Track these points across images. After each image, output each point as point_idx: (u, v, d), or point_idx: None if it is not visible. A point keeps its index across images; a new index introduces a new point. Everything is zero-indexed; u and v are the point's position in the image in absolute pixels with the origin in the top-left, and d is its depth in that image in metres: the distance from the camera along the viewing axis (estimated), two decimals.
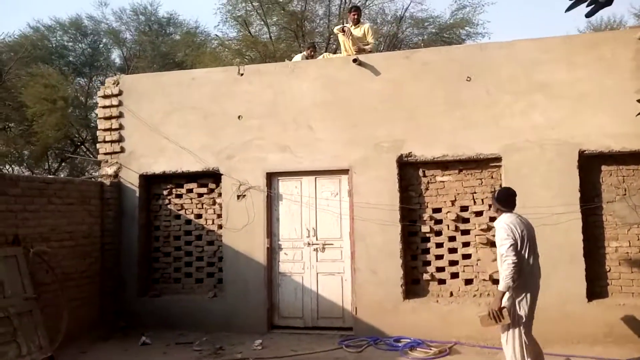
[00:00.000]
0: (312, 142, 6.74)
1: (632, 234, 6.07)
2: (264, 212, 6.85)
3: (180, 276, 7.34)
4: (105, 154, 7.40)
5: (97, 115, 7.53)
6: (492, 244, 6.34)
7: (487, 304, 5.36)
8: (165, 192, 7.45)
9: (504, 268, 4.22)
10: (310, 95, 6.81)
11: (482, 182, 6.49)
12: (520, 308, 4.28)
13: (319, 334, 6.57)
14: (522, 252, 4.31)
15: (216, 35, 16.03)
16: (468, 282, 6.47)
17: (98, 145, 7.48)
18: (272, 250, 6.89)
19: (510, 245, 4.19)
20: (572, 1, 2.99)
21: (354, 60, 6.57)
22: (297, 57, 8.80)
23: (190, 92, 7.26)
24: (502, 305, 4.29)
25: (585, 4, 2.97)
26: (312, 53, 8.78)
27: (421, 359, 5.62)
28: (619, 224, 6.10)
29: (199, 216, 7.36)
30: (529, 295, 4.36)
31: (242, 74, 7.09)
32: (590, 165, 6.15)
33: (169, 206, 7.44)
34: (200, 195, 7.37)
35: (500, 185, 6.35)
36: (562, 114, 6.11)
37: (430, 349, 5.82)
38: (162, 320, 6.96)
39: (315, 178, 6.84)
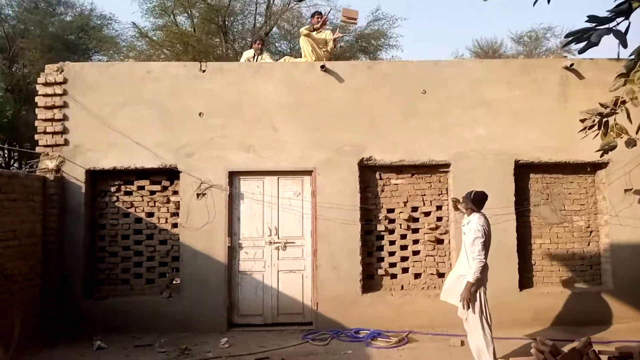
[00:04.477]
0: (276, 142, 6.89)
1: (552, 232, 7.14)
2: (225, 211, 6.83)
3: (129, 277, 7.02)
4: (46, 146, 6.81)
5: (36, 103, 6.87)
6: (438, 241, 7.09)
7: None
8: (112, 189, 7.07)
9: (475, 264, 4.84)
10: (275, 96, 6.94)
11: (431, 186, 7.15)
12: (484, 298, 4.94)
13: (280, 330, 6.75)
14: (488, 250, 5.00)
15: (133, 23, 15.08)
16: (417, 276, 7.09)
17: (37, 137, 6.84)
18: (233, 249, 6.91)
19: (483, 246, 4.84)
20: (572, 37, 3.69)
21: (322, 67, 6.85)
22: (248, 53, 8.79)
23: (145, 85, 6.98)
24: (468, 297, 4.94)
25: (581, 43, 3.69)
26: (260, 46, 8.85)
27: (385, 348, 6.08)
28: (542, 224, 7.14)
29: (150, 214, 7.10)
30: (486, 285, 5.10)
31: (204, 71, 6.99)
32: (522, 173, 7.11)
33: (116, 204, 7.07)
34: (152, 192, 7.11)
35: (447, 189, 7.08)
36: (501, 128, 6.98)
37: (390, 339, 6.30)
38: (110, 323, 6.60)
39: (278, 178, 7.00)
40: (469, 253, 5.03)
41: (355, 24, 8.28)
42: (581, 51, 3.75)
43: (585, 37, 3.60)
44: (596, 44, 3.70)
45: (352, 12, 8.18)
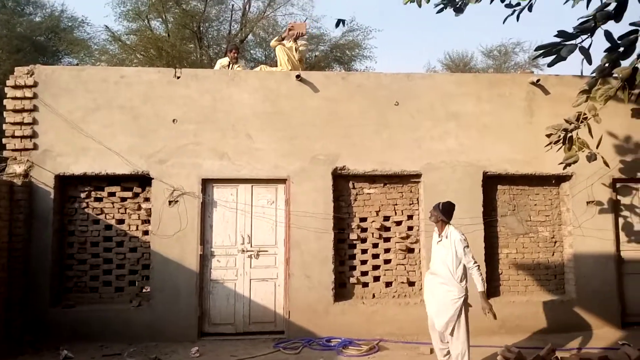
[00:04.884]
0: (251, 150, 6.91)
1: (519, 242, 7.36)
2: (197, 219, 6.79)
3: (98, 285, 6.89)
4: (14, 150, 6.66)
5: (5, 106, 6.72)
6: (409, 250, 7.21)
7: None
8: (82, 195, 6.95)
9: (477, 272, 5.03)
10: (250, 104, 6.97)
11: (402, 195, 7.28)
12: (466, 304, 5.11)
13: (251, 339, 6.72)
14: None
15: (106, 26, 14.89)
16: (388, 284, 7.19)
17: (5, 140, 6.67)
18: (205, 257, 6.86)
19: (471, 253, 5.00)
20: (542, 50, 3.88)
21: (297, 76, 6.93)
22: (223, 61, 8.79)
23: (118, 90, 6.91)
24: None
25: (550, 56, 3.88)
26: (236, 54, 8.87)
27: (356, 356, 6.14)
28: (509, 234, 7.36)
29: (120, 221, 7.00)
30: None
31: (178, 77, 6.97)
32: (490, 185, 7.31)
33: (86, 210, 6.94)
34: (123, 199, 7.02)
35: (418, 199, 7.23)
36: (470, 140, 7.18)
37: (361, 347, 6.36)
38: (77, 332, 6.47)
39: (252, 186, 7.00)
40: (451, 266, 5.10)
41: (304, 35, 8.41)
42: (550, 64, 3.94)
43: (555, 51, 3.79)
44: (564, 58, 3.90)
45: (301, 25, 8.36)
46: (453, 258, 5.08)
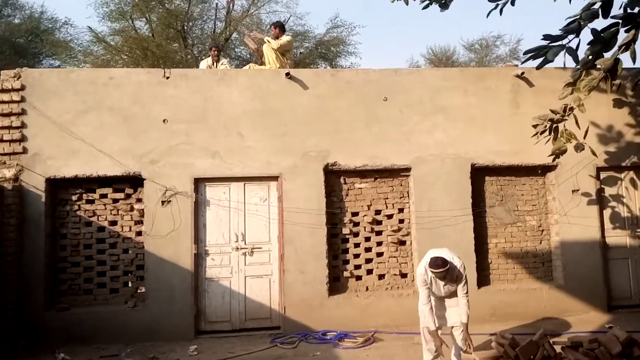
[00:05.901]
0: (242, 148, 6.95)
1: (507, 232, 7.52)
2: (190, 218, 6.82)
3: (92, 287, 6.88)
4: (3, 154, 6.61)
5: None
6: (401, 243, 7.32)
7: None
8: (74, 198, 6.92)
9: (466, 304, 5.00)
10: (240, 103, 7.01)
11: (393, 189, 7.39)
12: None
13: (248, 335, 6.78)
14: None
15: (89, 27, 14.74)
16: (381, 277, 7.29)
17: None
18: (199, 256, 6.90)
19: (467, 284, 5.05)
20: (530, 54, 4.01)
21: (287, 74, 6.98)
22: (208, 61, 8.82)
23: (107, 91, 6.89)
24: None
25: (539, 59, 4.01)
26: (217, 52, 8.94)
27: (352, 348, 6.24)
28: (498, 224, 7.52)
29: (113, 223, 6.99)
30: None
31: (167, 77, 6.98)
32: (478, 176, 7.46)
33: (78, 212, 6.92)
34: (115, 201, 7.01)
35: (409, 192, 7.34)
36: (457, 133, 7.31)
37: (357, 339, 6.46)
38: (73, 335, 6.47)
39: (244, 184, 7.05)
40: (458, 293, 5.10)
41: (255, 35, 8.99)
42: (538, 67, 4.09)
43: (542, 53, 3.93)
44: (552, 60, 4.05)
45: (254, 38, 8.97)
46: (459, 280, 5.05)
